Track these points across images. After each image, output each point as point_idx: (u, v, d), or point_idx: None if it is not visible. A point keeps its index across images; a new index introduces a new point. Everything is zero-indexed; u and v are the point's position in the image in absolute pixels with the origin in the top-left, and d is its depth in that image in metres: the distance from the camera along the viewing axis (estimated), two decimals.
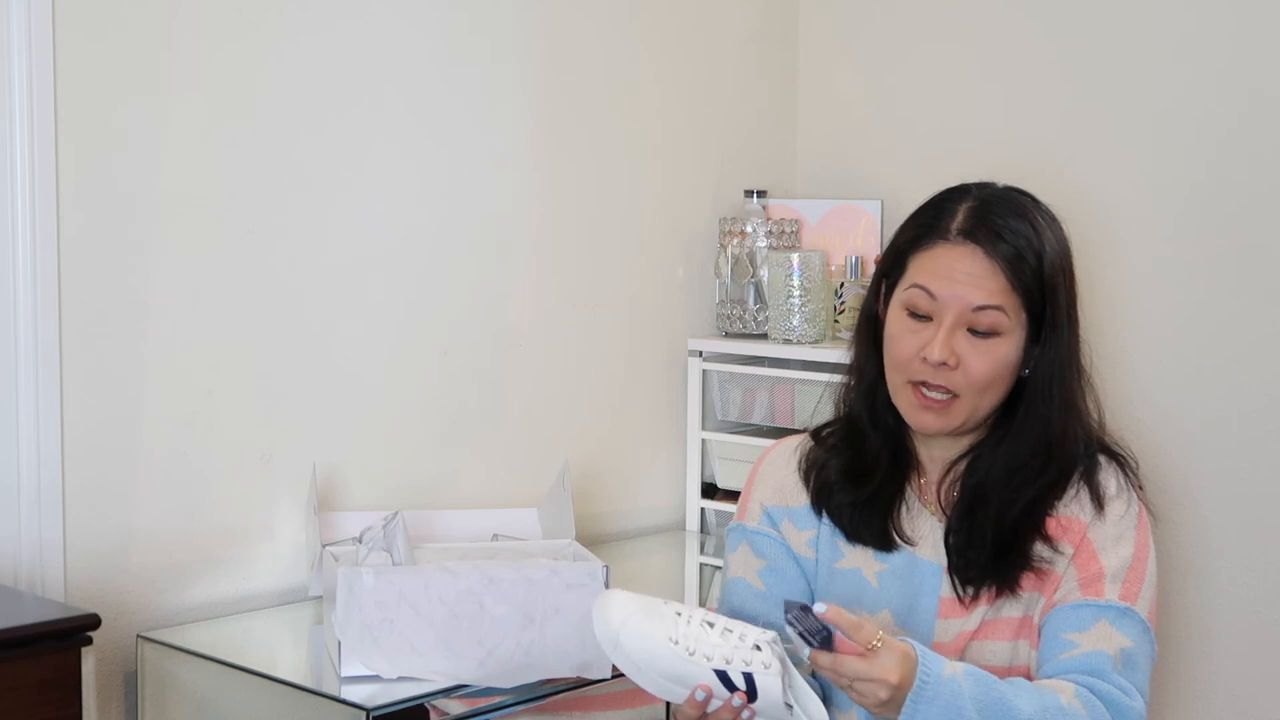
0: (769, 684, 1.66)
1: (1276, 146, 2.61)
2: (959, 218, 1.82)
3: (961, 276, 1.80)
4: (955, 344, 1.79)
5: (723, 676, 1.66)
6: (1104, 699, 1.71)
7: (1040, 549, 1.80)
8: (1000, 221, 1.81)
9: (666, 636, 1.67)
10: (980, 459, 1.85)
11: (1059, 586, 1.80)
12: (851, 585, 1.87)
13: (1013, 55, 2.94)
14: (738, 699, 1.66)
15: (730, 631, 1.68)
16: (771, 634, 1.69)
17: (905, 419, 1.85)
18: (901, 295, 1.85)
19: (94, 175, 2.28)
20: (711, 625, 1.68)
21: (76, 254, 2.26)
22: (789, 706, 1.68)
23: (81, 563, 2.29)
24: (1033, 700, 1.68)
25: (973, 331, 1.80)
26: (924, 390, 1.82)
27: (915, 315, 1.82)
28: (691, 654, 1.66)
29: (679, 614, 1.69)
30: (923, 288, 1.81)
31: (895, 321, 1.85)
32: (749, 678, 1.66)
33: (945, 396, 1.81)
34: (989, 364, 1.80)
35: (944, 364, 1.79)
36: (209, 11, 2.39)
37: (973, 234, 1.81)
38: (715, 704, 1.67)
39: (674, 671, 1.67)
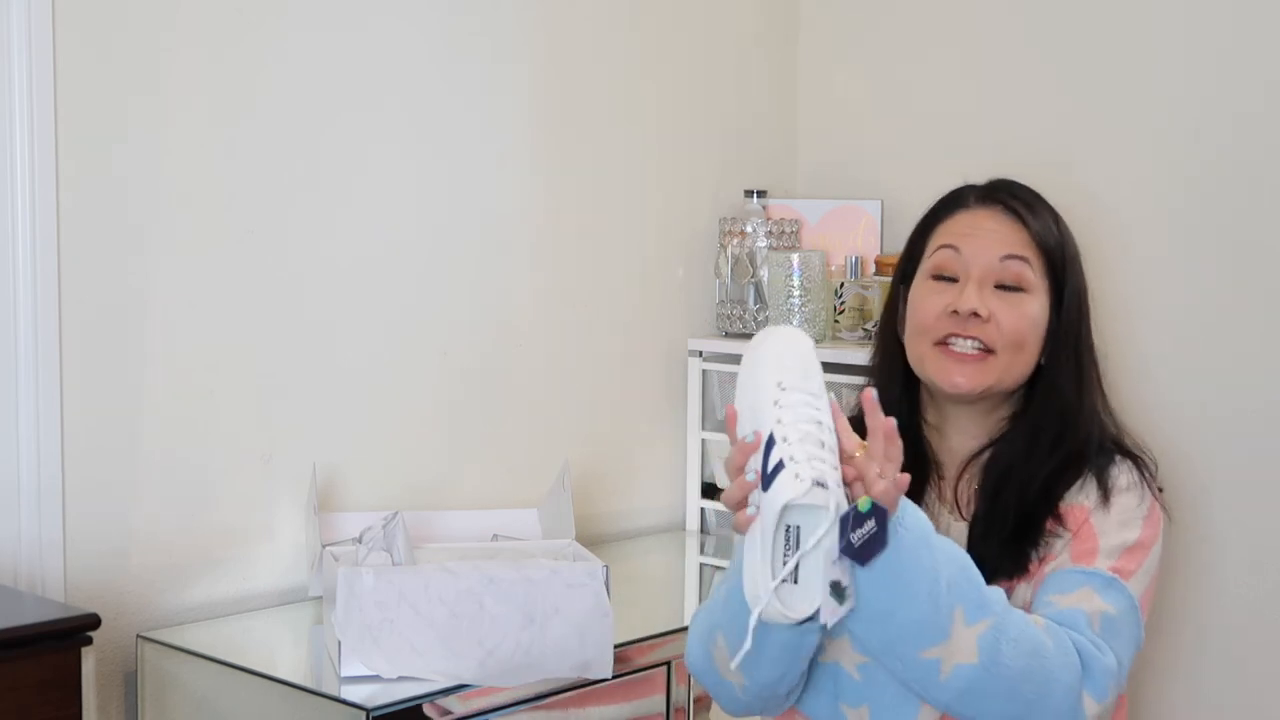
0: (783, 489, 1.53)
1: (1275, 143, 2.61)
2: (976, 191, 1.90)
3: (986, 231, 1.85)
4: (986, 299, 1.82)
5: (769, 445, 1.57)
6: (1074, 644, 1.68)
7: (1051, 528, 1.79)
8: (1018, 190, 1.90)
9: (777, 383, 1.60)
10: (1000, 452, 1.85)
11: (1053, 561, 1.78)
12: None
13: (1013, 55, 2.94)
14: (752, 474, 1.58)
15: (822, 445, 1.57)
16: (840, 496, 1.56)
17: (937, 381, 1.83)
18: (926, 265, 1.87)
19: (94, 175, 2.28)
20: (819, 424, 1.58)
21: (76, 254, 2.26)
22: (785, 549, 1.58)
23: (81, 563, 2.29)
24: (1000, 597, 1.66)
25: (1000, 287, 1.83)
26: (953, 344, 1.82)
27: (941, 278, 1.85)
28: (776, 404, 1.59)
29: (815, 395, 1.60)
30: (948, 245, 1.85)
31: (920, 290, 1.87)
32: (779, 466, 1.55)
33: (978, 349, 1.81)
34: (1020, 319, 1.82)
35: (975, 315, 1.80)
36: (209, 11, 2.39)
37: (993, 196, 1.88)
38: (748, 474, 1.60)
39: (753, 404, 1.61)
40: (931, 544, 1.64)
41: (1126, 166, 2.78)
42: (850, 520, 1.56)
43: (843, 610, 1.60)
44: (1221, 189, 2.67)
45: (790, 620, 1.58)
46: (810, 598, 1.58)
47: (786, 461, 1.55)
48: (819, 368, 1.65)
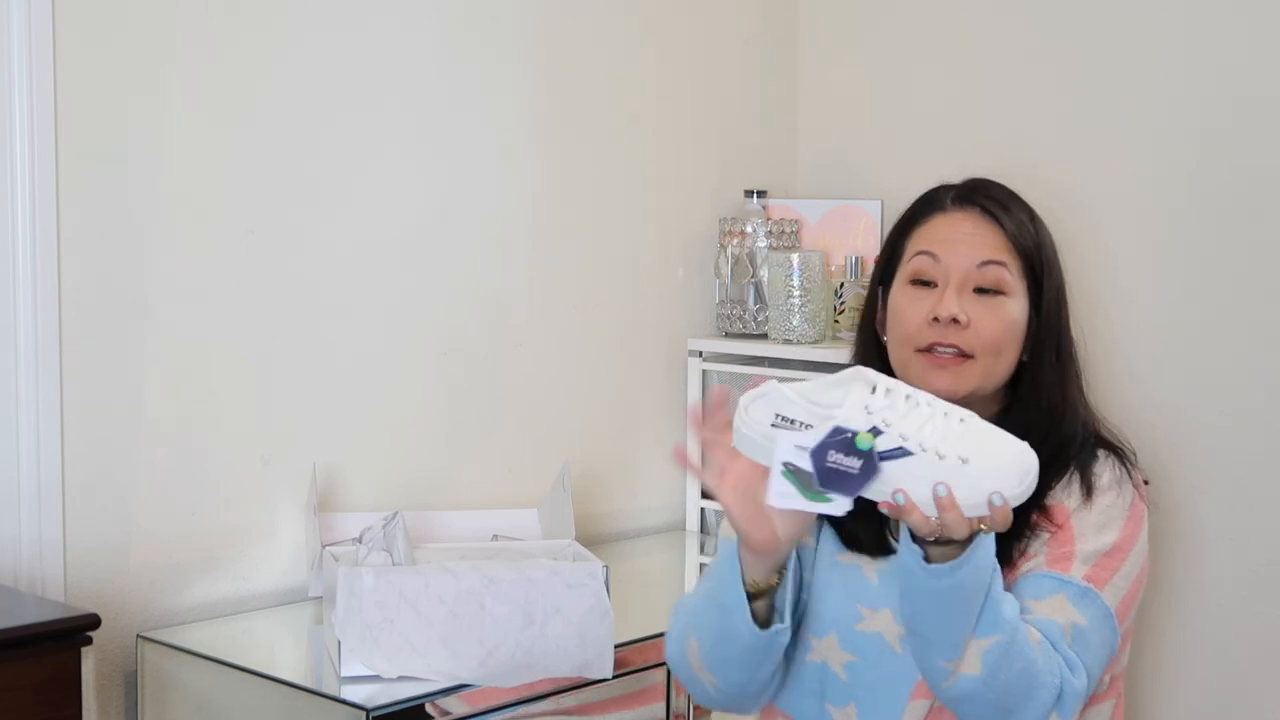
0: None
1: (1269, 144, 2.61)
2: (952, 193, 1.88)
3: (963, 236, 1.84)
4: (965, 304, 1.81)
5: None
6: (1057, 665, 1.70)
7: (1037, 521, 1.79)
8: (994, 191, 1.88)
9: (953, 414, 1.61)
10: None
11: (1029, 561, 1.78)
12: (852, 579, 1.86)
13: (1012, 55, 2.94)
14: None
15: (923, 414, 1.58)
16: (859, 420, 1.57)
17: (919, 387, 1.83)
18: (905, 270, 1.87)
19: (94, 175, 2.28)
20: (944, 427, 1.58)
21: (76, 254, 2.26)
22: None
23: (81, 563, 2.29)
24: (1013, 610, 1.67)
25: (979, 291, 1.82)
26: (935, 351, 1.81)
27: (920, 283, 1.84)
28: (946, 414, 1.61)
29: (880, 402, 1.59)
30: (926, 252, 1.84)
31: (900, 296, 1.86)
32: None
33: (956, 354, 1.81)
34: (999, 323, 1.81)
35: (955, 321, 1.80)
36: (209, 11, 2.39)
37: (969, 199, 1.87)
38: None
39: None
40: (971, 588, 1.62)
41: (1125, 166, 2.78)
42: (838, 439, 1.55)
43: (798, 502, 1.56)
44: (1221, 189, 2.67)
45: (738, 431, 1.62)
46: (769, 451, 1.58)
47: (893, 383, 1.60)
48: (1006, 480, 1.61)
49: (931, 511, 1.56)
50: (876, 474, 1.55)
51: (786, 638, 1.73)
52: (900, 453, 1.55)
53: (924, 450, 1.56)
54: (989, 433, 1.60)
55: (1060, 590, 1.74)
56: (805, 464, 1.56)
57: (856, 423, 1.56)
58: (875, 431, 1.56)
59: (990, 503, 1.56)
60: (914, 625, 1.68)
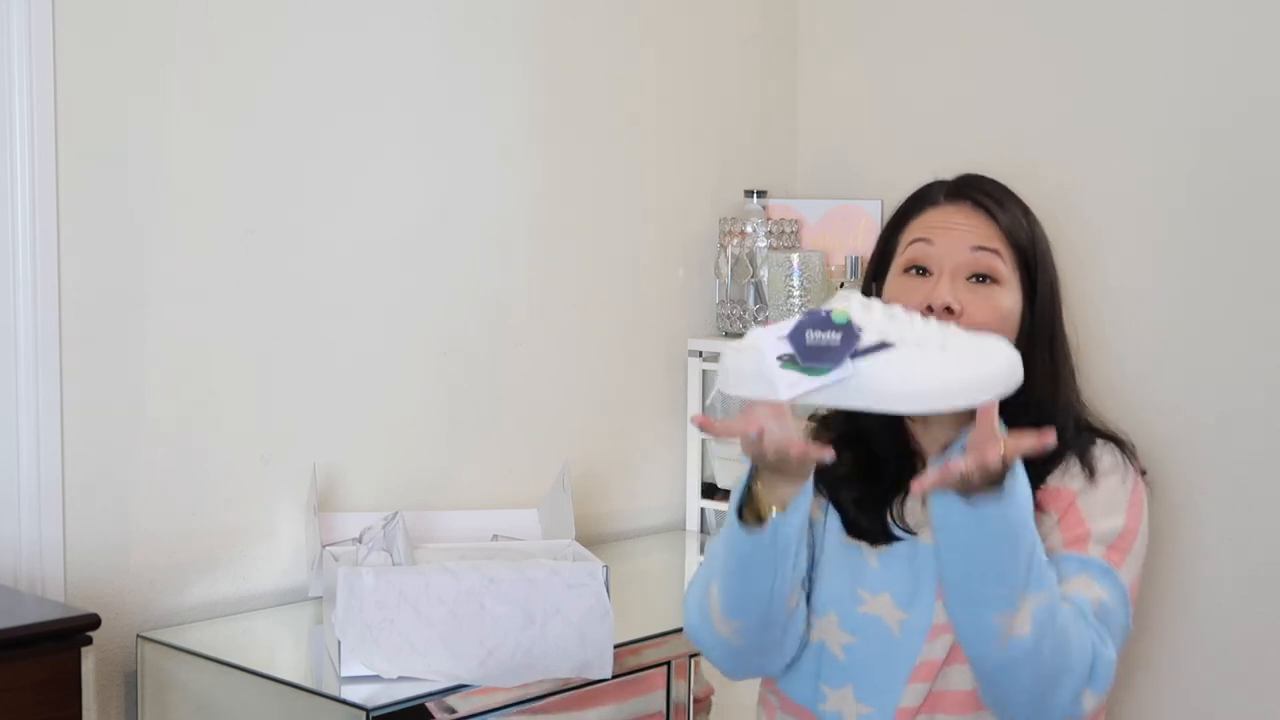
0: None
1: (1269, 144, 2.61)
2: (945, 188, 1.91)
3: (957, 225, 1.86)
4: (958, 292, 1.82)
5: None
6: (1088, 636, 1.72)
7: (1038, 499, 1.79)
8: (987, 186, 1.90)
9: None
10: None
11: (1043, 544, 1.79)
12: (854, 563, 1.87)
13: (1012, 55, 2.94)
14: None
15: (906, 322, 1.64)
16: (843, 308, 1.63)
17: None
18: (899, 261, 1.88)
19: (94, 175, 2.28)
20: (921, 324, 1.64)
21: (76, 254, 2.26)
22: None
23: (81, 563, 2.29)
24: (1054, 572, 1.70)
25: (972, 279, 1.83)
26: None
27: (914, 271, 1.86)
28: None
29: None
30: (922, 239, 1.86)
31: (894, 286, 1.87)
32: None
33: None
34: (990, 312, 1.82)
35: (948, 310, 1.81)
36: (209, 11, 2.39)
37: (963, 193, 1.89)
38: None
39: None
40: (1018, 520, 1.64)
41: (1125, 165, 2.78)
42: (814, 318, 1.60)
43: (806, 383, 1.59)
44: (1221, 189, 2.67)
45: (727, 383, 1.66)
46: (758, 367, 1.62)
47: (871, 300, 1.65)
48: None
49: (915, 406, 1.59)
50: (856, 340, 1.59)
51: (792, 529, 1.72)
52: (881, 346, 1.60)
53: (904, 342, 1.61)
54: (965, 331, 1.67)
55: (1084, 570, 1.76)
56: (791, 349, 1.60)
57: (844, 310, 1.62)
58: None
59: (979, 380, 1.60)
60: (967, 578, 1.67)
